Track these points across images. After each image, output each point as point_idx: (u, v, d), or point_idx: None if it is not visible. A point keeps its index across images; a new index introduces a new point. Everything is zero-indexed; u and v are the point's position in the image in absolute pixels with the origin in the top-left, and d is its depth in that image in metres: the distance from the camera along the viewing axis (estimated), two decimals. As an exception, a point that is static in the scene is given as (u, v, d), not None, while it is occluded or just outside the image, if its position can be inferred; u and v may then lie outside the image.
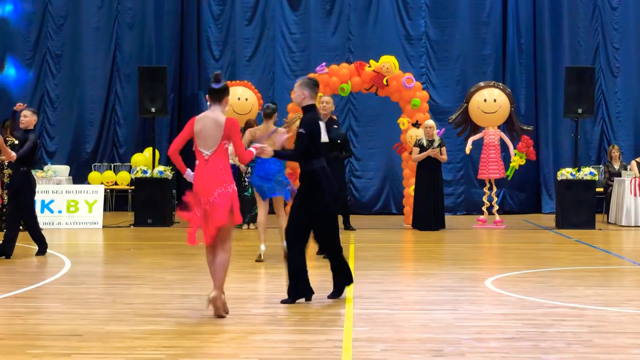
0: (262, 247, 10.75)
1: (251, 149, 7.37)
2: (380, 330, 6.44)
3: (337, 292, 7.93)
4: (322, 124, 7.92)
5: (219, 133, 6.99)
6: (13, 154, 10.94)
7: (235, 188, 7.08)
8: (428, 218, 15.23)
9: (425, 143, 15.25)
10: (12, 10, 20.65)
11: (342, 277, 7.97)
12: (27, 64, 20.58)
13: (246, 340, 6.15)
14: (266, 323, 6.77)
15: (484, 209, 16.27)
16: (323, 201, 7.71)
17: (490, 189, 16.17)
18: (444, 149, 15.34)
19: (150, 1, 20.48)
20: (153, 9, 20.48)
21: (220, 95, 7.18)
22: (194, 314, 7.09)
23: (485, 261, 11.74)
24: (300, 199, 7.78)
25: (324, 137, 7.81)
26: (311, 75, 16.53)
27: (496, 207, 16.27)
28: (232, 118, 7.16)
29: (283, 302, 7.59)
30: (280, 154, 8.18)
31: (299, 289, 7.69)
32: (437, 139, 15.29)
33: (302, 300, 7.67)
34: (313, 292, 7.78)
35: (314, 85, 7.87)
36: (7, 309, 7.30)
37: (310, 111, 7.83)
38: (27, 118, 11.23)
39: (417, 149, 15.31)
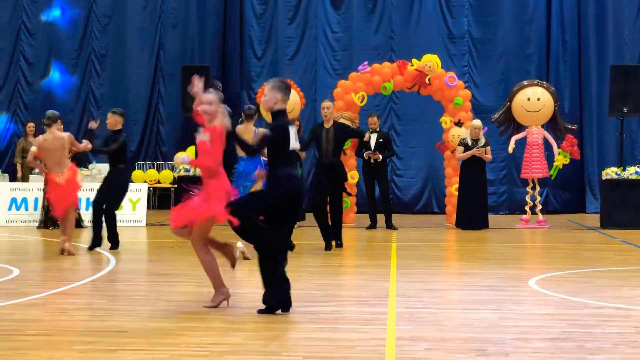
0: (240, 244, 10.42)
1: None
2: (424, 329, 6.43)
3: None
4: (292, 130, 7.22)
5: None
6: (89, 145, 11.56)
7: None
8: (471, 217, 15.16)
9: (469, 142, 15.18)
10: (59, 15, 20.92)
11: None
12: (72, 64, 20.84)
13: (289, 338, 6.17)
14: (309, 321, 6.78)
15: (527, 208, 16.15)
16: (275, 202, 7.11)
17: (534, 188, 16.05)
18: (488, 148, 15.26)
19: (193, 1, 20.64)
20: (196, 8, 20.62)
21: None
22: (237, 312, 7.12)
23: (528, 261, 11.65)
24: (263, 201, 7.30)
25: (294, 145, 7.17)
26: (353, 74, 16.56)
27: (539, 207, 16.14)
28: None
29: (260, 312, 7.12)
30: (237, 138, 7.59)
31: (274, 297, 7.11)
32: (482, 138, 15.21)
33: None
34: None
35: (285, 88, 7.26)
36: (54, 305, 7.40)
37: (280, 116, 7.24)
38: (109, 120, 11.82)
39: (461, 148, 15.23)
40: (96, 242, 11.61)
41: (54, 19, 20.96)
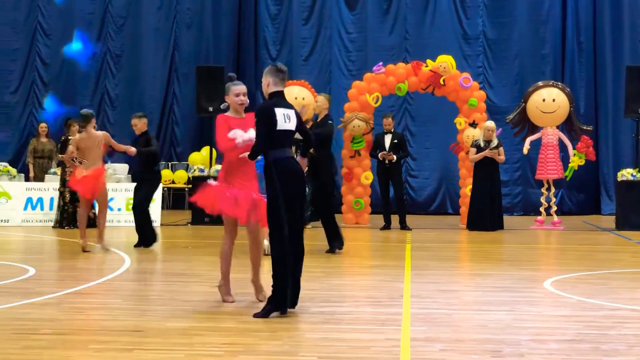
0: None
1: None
2: (438, 330, 6.42)
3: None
4: (282, 111, 7.03)
5: None
6: (132, 148, 11.91)
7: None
8: (484, 219, 15.13)
9: (482, 144, 15.16)
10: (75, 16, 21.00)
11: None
12: (87, 64, 20.90)
13: (304, 338, 6.17)
14: (324, 322, 6.79)
15: (542, 209, 16.10)
16: (271, 195, 7.03)
17: (549, 189, 16.01)
18: (501, 149, 15.23)
19: (208, 1, 20.69)
20: (211, 9, 20.68)
21: None
22: (252, 312, 7.12)
23: (543, 262, 11.62)
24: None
25: (284, 125, 6.99)
26: (368, 75, 16.56)
27: (554, 208, 16.10)
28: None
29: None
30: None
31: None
32: (495, 139, 15.18)
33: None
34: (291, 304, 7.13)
35: (277, 71, 7.15)
36: (70, 304, 7.43)
37: (271, 98, 7.14)
38: (137, 126, 12.22)
39: (474, 150, 15.22)
40: (152, 239, 12.22)
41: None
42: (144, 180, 12.28)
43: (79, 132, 12.32)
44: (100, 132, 12.00)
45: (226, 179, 7.46)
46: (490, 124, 15.30)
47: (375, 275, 9.84)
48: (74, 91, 20.94)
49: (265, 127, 6.97)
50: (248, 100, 7.60)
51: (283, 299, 6.96)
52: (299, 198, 7.10)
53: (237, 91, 7.52)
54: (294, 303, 7.10)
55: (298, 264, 7.11)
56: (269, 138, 6.98)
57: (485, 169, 15.13)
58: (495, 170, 15.28)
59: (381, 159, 15.52)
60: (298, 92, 16.59)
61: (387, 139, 15.67)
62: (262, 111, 7.02)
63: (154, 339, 6.07)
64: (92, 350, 5.69)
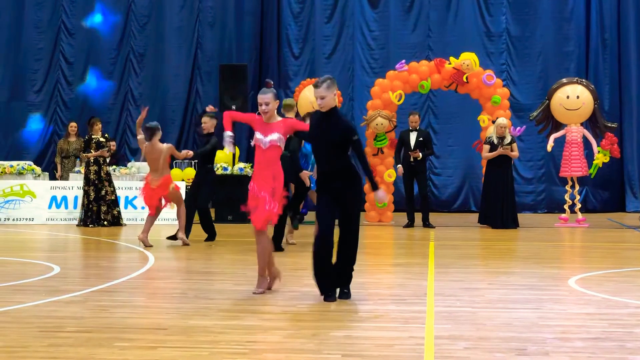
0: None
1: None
2: (462, 328, 6.40)
3: None
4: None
5: None
6: (190, 152, 12.63)
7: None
8: (495, 216, 15.10)
9: (495, 140, 15.11)
10: (99, 15, 21.13)
11: None
12: (111, 62, 21.01)
13: (328, 336, 6.17)
14: (348, 320, 6.78)
15: (566, 207, 16.01)
16: (359, 199, 7.90)
17: (573, 187, 15.92)
18: (514, 145, 15.19)
19: (231, 0, 20.71)
20: (234, 7, 20.72)
21: None
22: (276, 310, 7.14)
23: (568, 260, 11.56)
24: None
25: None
26: (390, 72, 16.53)
27: (579, 206, 16.01)
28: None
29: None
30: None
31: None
32: (508, 136, 15.13)
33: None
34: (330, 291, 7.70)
35: (335, 82, 7.74)
36: (95, 302, 7.46)
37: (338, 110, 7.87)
38: (207, 124, 12.65)
39: (487, 147, 15.19)
40: (210, 236, 12.86)
41: (93, 19, 21.17)
42: (201, 183, 12.66)
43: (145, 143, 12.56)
44: (164, 145, 12.24)
45: (254, 175, 7.95)
46: (503, 120, 15.25)
47: (399, 273, 9.82)
48: (97, 91, 21.06)
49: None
50: (271, 109, 7.85)
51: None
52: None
53: (259, 100, 7.92)
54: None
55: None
56: (347, 148, 7.64)
57: (497, 166, 15.11)
58: (507, 168, 15.23)
59: (412, 161, 15.44)
60: (321, 90, 16.53)
61: (413, 137, 15.64)
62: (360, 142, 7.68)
63: (178, 336, 6.09)
64: (116, 348, 5.71)
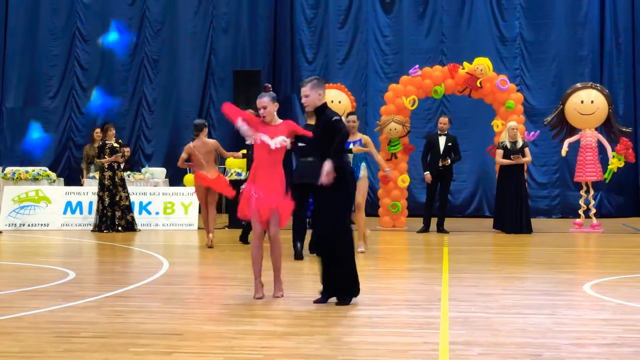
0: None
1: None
2: (477, 334, 6.39)
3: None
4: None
5: None
6: (238, 153, 13.69)
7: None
8: (508, 221, 15.07)
9: (508, 144, 15.09)
10: (114, 27, 21.23)
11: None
12: (125, 68, 21.09)
13: (342, 342, 6.17)
14: (362, 325, 6.78)
15: (580, 212, 15.96)
16: (344, 195, 7.74)
17: (587, 192, 15.87)
18: (527, 149, 15.16)
19: (244, 6, 20.78)
20: (247, 13, 20.77)
21: None
22: (289, 315, 7.15)
23: (582, 265, 11.51)
24: None
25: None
26: (404, 77, 16.52)
27: (593, 211, 15.95)
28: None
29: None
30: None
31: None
32: (519, 140, 15.10)
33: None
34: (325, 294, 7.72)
35: (323, 83, 7.84)
36: (110, 307, 7.49)
37: (326, 108, 7.82)
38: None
39: (500, 152, 15.17)
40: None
41: (108, 25, 21.27)
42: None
43: (192, 140, 13.13)
44: (211, 140, 13.15)
45: (254, 179, 7.93)
46: (513, 123, 15.24)
47: (412, 278, 9.81)
48: (112, 95, 21.14)
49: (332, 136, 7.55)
50: (269, 112, 7.94)
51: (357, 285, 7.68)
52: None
53: (258, 104, 7.99)
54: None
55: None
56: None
57: (510, 171, 15.09)
58: (520, 173, 15.19)
59: (441, 167, 15.37)
60: (335, 96, 16.60)
61: (442, 141, 15.53)
62: (342, 122, 7.66)
63: (193, 342, 6.10)
64: (131, 354, 5.73)
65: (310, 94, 7.67)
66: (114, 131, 15.73)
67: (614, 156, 15.60)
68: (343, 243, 7.56)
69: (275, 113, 7.99)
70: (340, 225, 7.55)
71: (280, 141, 7.84)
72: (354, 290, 7.66)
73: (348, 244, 7.60)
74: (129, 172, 16.79)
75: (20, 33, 21.22)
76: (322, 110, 7.72)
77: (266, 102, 7.93)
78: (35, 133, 21.13)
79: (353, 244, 7.70)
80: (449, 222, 16.16)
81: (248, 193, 7.88)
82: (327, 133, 7.56)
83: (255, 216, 7.85)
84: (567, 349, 5.92)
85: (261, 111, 7.92)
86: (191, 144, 13.00)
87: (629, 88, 19.58)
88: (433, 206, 15.65)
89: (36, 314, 7.14)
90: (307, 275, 9.76)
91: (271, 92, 8.10)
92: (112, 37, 21.23)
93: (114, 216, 15.34)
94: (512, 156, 15.00)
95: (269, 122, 7.93)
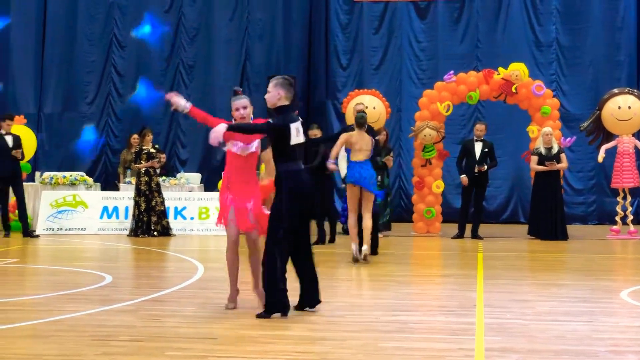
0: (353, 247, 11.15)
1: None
2: (513, 341, 6.35)
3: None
4: (295, 125, 7.27)
5: None
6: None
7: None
8: (544, 227, 14.97)
9: (543, 151, 15.01)
10: (149, 27, 21.40)
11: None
12: (160, 74, 21.23)
13: (377, 347, 6.16)
14: (396, 331, 6.77)
15: (617, 219, 15.81)
16: (284, 207, 7.26)
17: (625, 198, 15.72)
18: (563, 155, 15.07)
19: (279, 12, 20.83)
20: (282, 19, 20.83)
21: None
22: (323, 320, 7.16)
23: (619, 272, 11.41)
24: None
25: (296, 139, 7.27)
26: (439, 83, 16.48)
27: (630, 217, 15.80)
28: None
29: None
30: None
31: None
32: (555, 145, 15.01)
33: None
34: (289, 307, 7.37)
35: (289, 85, 7.35)
36: (146, 311, 7.55)
37: (282, 112, 7.32)
38: (314, 131, 13.56)
39: (535, 158, 15.09)
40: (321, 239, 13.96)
41: (143, 31, 21.44)
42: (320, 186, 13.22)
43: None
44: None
45: (228, 185, 7.76)
46: (548, 129, 15.16)
47: (447, 284, 9.78)
48: (146, 102, 21.31)
49: (276, 141, 7.26)
50: (248, 113, 7.74)
51: (276, 303, 7.23)
52: (306, 210, 7.37)
53: (236, 105, 7.77)
54: (312, 303, 7.52)
55: (306, 263, 7.48)
56: (280, 152, 7.28)
57: (546, 177, 15.00)
58: (556, 178, 15.10)
59: (476, 173, 15.31)
60: (369, 102, 16.58)
61: (478, 147, 15.48)
62: (280, 127, 7.23)
63: (228, 346, 6.14)
64: (167, 357, 5.77)
65: (271, 91, 7.36)
66: (151, 136, 15.86)
67: (651, 162, 15.46)
68: (269, 256, 7.30)
69: (250, 116, 7.80)
70: (270, 236, 7.33)
71: (255, 147, 7.67)
72: (275, 305, 7.25)
73: (273, 258, 7.26)
74: (164, 178, 16.90)
75: (59, 40, 21.43)
76: (279, 112, 7.34)
77: (247, 102, 7.73)
78: (73, 138, 21.31)
79: (283, 258, 7.30)
80: (483, 228, 16.09)
81: (224, 202, 7.71)
82: (270, 135, 7.35)
83: (232, 226, 7.72)
84: (604, 356, 5.88)
85: (240, 111, 7.67)
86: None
87: (666, 93, 19.37)
88: (468, 212, 15.59)
89: (74, 317, 7.22)
90: (342, 282, 9.77)
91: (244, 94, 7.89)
92: (146, 29, 21.38)
93: (150, 221, 15.45)
94: (546, 162, 14.93)
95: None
